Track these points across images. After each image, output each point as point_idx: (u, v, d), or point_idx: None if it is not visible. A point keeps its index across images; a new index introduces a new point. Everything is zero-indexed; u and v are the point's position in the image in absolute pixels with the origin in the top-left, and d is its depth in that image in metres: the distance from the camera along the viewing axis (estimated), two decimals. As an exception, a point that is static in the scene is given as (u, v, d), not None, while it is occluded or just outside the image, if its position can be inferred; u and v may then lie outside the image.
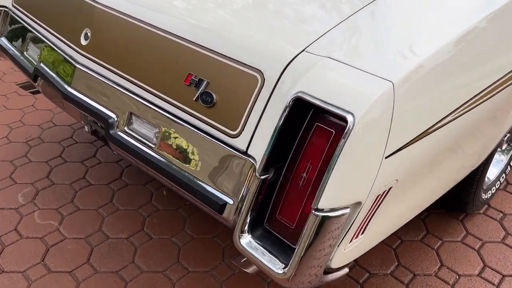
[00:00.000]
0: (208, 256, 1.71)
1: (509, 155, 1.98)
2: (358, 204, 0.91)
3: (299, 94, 0.91)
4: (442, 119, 0.99)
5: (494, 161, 1.93)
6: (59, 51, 1.44)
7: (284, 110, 0.92)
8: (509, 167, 2.01)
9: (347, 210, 0.89)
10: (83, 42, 1.36)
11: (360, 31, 1.03)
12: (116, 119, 1.25)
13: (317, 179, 0.89)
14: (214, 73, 1.07)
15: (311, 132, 0.92)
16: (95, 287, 1.59)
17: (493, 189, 1.94)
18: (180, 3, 1.22)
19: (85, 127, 1.50)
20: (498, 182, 1.97)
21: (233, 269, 1.67)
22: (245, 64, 1.03)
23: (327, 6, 1.11)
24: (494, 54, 1.12)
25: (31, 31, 1.61)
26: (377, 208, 0.97)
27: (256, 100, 1.00)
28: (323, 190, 0.86)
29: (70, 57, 1.40)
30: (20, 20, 1.68)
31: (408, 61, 0.93)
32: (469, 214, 1.94)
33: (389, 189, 0.95)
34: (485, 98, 1.10)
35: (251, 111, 1.01)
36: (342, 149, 0.84)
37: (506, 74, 1.17)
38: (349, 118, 0.84)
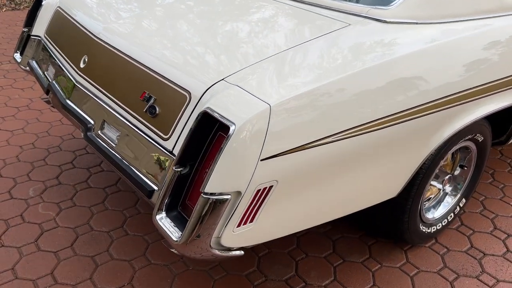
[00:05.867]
0: (170, 253, 2.00)
1: (456, 198, 2.17)
2: (239, 193, 1.19)
3: (206, 109, 1.23)
4: (319, 139, 1.27)
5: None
6: (66, 71, 1.85)
7: (196, 119, 1.24)
8: (458, 207, 2.20)
9: (228, 196, 1.17)
10: (82, 65, 1.76)
11: (271, 68, 1.34)
12: (93, 124, 1.62)
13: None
14: (159, 91, 1.41)
15: (214, 136, 1.23)
16: (72, 267, 1.91)
17: (439, 226, 2.12)
18: (147, 38, 1.59)
19: (81, 133, 1.88)
20: (445, 220, 2.15)
21: (188, 266, 1.94)
22: (179, 85, 1.36)
23: (255, 45, 1.44)
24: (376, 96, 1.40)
25: (51, 56, 2.04)
26: (261, 202, 1.24)
27: (183, 113, 1.33)
28: (209, 178, 1.15)
29: (72, 76, 1.80)
30: (46, 47, 2.13)
31: (289, 91, 1.23)
32: (414, 246, 2.13)
33: (270, 187, 1.23)
34: (364, 131, 1.37)
35: (179, 121, 1.33)
36: (223, 148, 1.14)
37: (398, 112, 1.44)
38: (231, 126, 1.15)
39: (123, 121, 1.50)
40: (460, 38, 1.62)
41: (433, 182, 2.09)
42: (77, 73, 1.77)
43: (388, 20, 1.60)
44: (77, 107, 1.71)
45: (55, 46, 2.02)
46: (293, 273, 1.95)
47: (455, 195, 2.18)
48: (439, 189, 2.14)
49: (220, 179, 1.16)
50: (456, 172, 2.18)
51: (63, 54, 1.92)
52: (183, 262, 1.97)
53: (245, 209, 1.23)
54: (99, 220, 2.19)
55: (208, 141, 1.25)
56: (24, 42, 2.35)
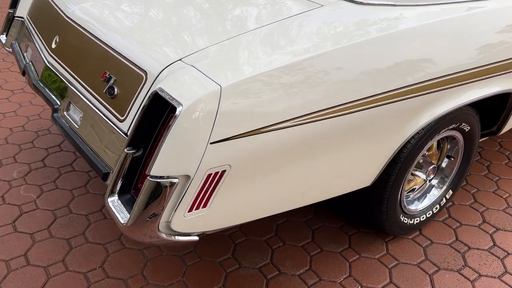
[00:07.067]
0: (145, 238, 1.99)
1: (442, 190, 2.09)
2: (187, 177, 1.15)
3: (157, 89, 1.19)
4: (277, 123, 1.22)
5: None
6: (40, 52, 1.83)
7: (147, 100, 1.20)
8: (444, 199, 2.12)
9: (176, 180, 1.13)
10: (53, 46, 1.73)
11: (231, 50, 1.29)
12: (59, 105, 1.60)
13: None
14: (118, 71, 1.38)
15: (165, 117, 1.19)
16: (46, 248, 1.91)
17: (422, 217, 2.06)
18: (113, 19, 1.56)
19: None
20: (430, 212, 2.08)
21: (162, 251, 1.93)
22: (137, 65, 1.33)
23: (218, 26, 1.39)
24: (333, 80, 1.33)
25: (30, 37, 2.02)
26: (214, 187, 1.20)
27: (139, 94, 1.29)
28: (155, 160, 1.12)
29: (44, 57, 1.77)
30: (27, 28, 2.11)
31: (244, 72, 1.18)
32: (396, 237, 2.07)
33: (223, 172, 1.19)
34: (328, 116, 1.31)
35: (135, 102, 1.30)
36: (169, 130, 1.10)
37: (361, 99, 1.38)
38: (178, 107, 1.11)
39: (86, 102, 1.48)
40: (439, 21, 1.54)
41: (416, 172, 2.02)
42: (48, 53, 1.75)
43: (364, 1, 1.54)
44: (47, 88, 1.69)
45: (34, 27, 2.00)
46: (268, 261, 1.91)
47: (441, 187, 2.10)
48: (424, 180, 2.07)
49: (166, 162, 1.12)
50: (444, 163, 2.10)
51: (39, 35, 1.90)
52: (158, 247, 1.95)
53: (196, 194, 1.19)
54: (79, 203, 2.18)
55: (162, 122, 1.21)
56: (9, 23, 2.34)
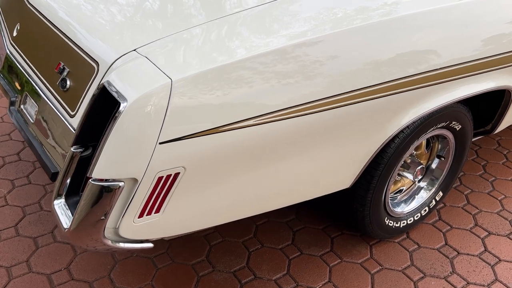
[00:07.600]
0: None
1: (431, 191, 1.98)
2: (135, 180, 1.04)
3: (104, 83, 1.08)
4: (239, 121, 1.11)
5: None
6: (3, 40, 1.72)
7: (94, 94, 1.09)
8: (434, 201, 2.01)
9: (121, 184, 1.03)
10: (14, 34, 1.63)
11: (187, 40, 1.18)
12: (16, 98, 1.49)
13: (102, 153, 1.05)
14: (72, 62, 1.27)
15: (114, 113, 1.08)
16: (11, 248, 1.82)
17: (410, 220, 1.95)
18: (72, 7, 1.44)
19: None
20: (418, 215, 1.97)
21: (132, 253, 1.83)
22: (89, 55, 1.22)
23: (181, 15, 1.28)
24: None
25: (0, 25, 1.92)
26: (167, 191, 1.10)
27: (90, 87, 1.19)
28: (97, 162, 1.01)
29: (6, 45, 1.67)
30: (-3, 15, 2.01)
31: (202, 65, 1.07)
32: (382, 241, 1.96)
33: (176, 174, 1.08)
34: (298, 114, 1.19)
35: (85, 95, 1.19)
36: (112, 128, 1.00)
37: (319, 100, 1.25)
38: (123, 102, 1.00)
39: (41, 94, 1.37)
40: (430, 10, 1.41)
41: (404, 173, 1.91)
42: (10, 42, 1.64)
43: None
44: (6, 79, 1.59)
45: (2, 14, 1.90)
46: (244, 264, 1.81)
47: (430, 189, 1.99)
48: (412, 181, 1.96)
49: (109, 164, 1.02)
50: (434, 163, 1.98)
51: (4, 22, 1.79)
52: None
53: (146, 198, 1.08)
54: (51, 200, 2.08)
55: (111, 119, 1.10)
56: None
